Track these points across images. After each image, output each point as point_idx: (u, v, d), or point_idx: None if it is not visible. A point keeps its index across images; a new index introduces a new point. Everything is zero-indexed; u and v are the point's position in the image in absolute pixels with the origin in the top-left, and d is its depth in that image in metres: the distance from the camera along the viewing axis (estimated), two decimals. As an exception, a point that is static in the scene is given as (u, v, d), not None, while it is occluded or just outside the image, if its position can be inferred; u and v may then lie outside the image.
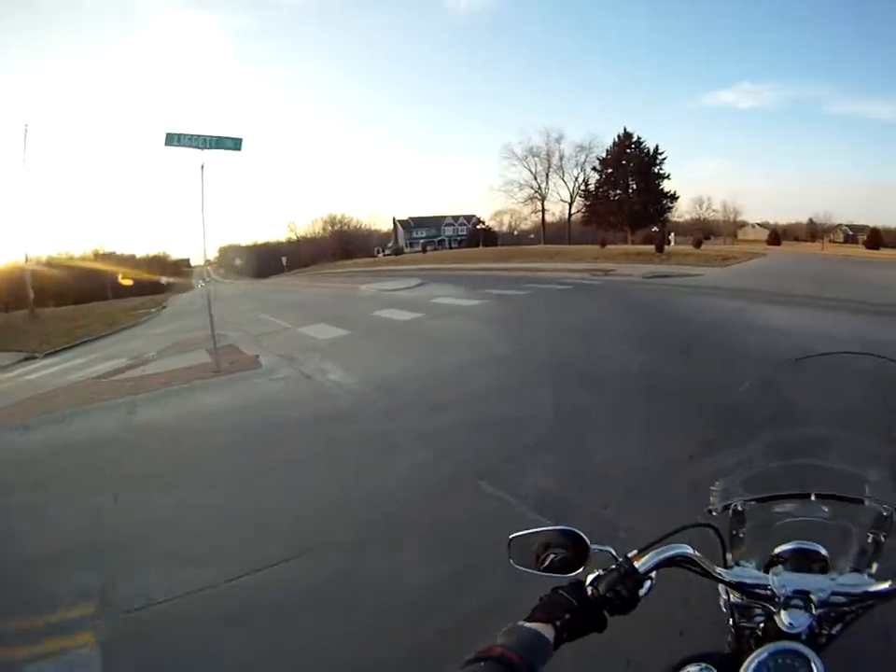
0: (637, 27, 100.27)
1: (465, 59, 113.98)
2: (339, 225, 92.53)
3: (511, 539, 0.92)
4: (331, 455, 5.03)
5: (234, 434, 5.86)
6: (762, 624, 0.88)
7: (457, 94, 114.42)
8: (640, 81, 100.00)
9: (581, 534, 0.89)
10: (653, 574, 0.87)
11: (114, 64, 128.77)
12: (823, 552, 0.91)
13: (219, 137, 8.42)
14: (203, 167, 8.43)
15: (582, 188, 63.60)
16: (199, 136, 8.16)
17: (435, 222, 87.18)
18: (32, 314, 26.71)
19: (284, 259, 64.93)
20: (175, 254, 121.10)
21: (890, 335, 7.92)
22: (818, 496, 0.96)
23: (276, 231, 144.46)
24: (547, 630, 0.78)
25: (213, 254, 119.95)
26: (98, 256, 70.49)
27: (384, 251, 75.45)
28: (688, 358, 7.16)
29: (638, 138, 59.00)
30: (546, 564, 0.89)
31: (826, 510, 0.97)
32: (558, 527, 0.91)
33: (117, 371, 10.49)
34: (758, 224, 72.28)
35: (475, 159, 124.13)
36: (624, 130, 59.38)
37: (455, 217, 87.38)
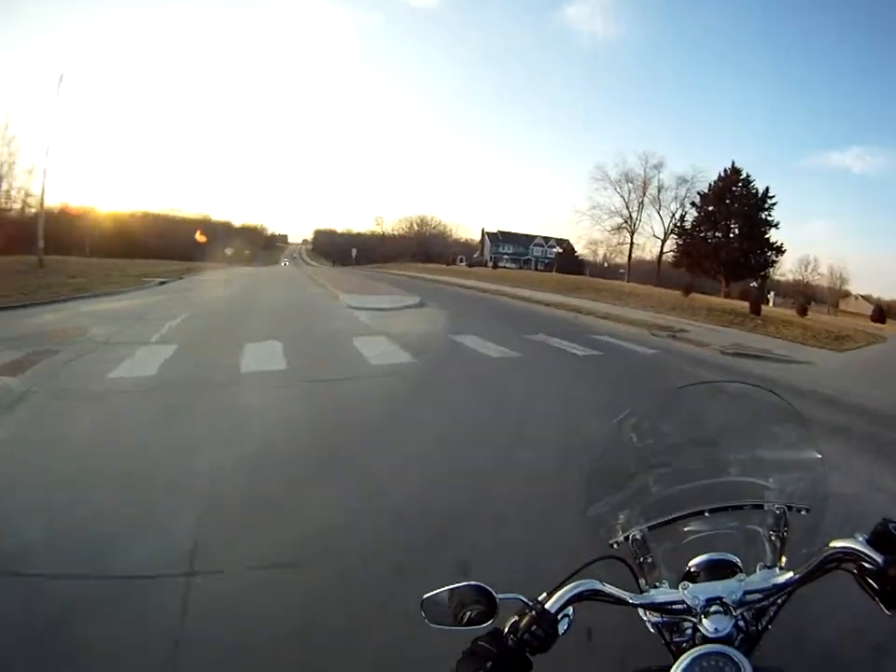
0: (757, 71, 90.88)
1: (580, 82, 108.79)
2: (427, 227, 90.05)
3: (424, 600, 0.89)
4: None
5: None
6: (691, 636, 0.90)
7: (568, 118, 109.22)
8: (752, 126, 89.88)
9: (487, 587, 0.87)
10: (570, 611, 0.87)
11: (240, 36, 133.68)
12: (734, 559, 0.94)
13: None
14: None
15: (678, 224, 53.59)
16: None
17: (524, 240, 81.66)
18: (40, 263, 24.49)
19: (353, 252, 63.28)
20: (274, 228, 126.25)
21: None
22: (710, 510, 1.01)
23: (367, 221, 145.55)
24: None
25: (309, 235, 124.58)
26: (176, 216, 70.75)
27: (465, 261, 71.98)
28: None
29: (747, 176, 48.41)
30: (465, 620, 0.86)
31: (726, 521, 1.02)
32: (466, 583, 0.88)
33: None
34: (861, 296, 61.08)
35: (577, 183, 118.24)
36: (732, 164, 49.05)
37: (546, 239, 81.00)
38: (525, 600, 0.85)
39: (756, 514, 1.01)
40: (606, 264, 66.17)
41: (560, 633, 0.84)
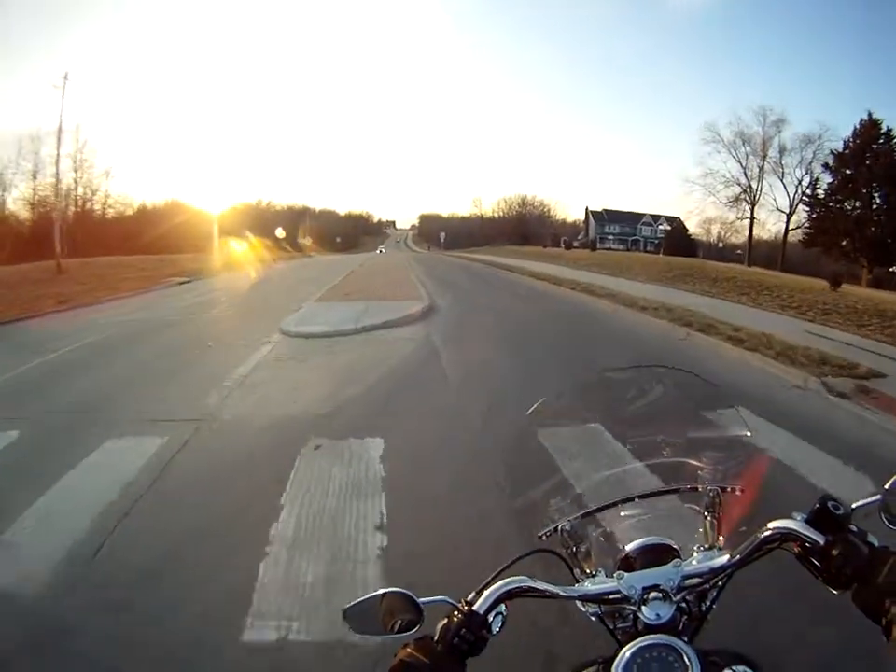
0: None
1: (682, 50, 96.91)
2: (528, 207, 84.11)
3: (346, 611, 0.83)
4: None
5: None
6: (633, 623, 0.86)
7: (675, 83, 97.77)
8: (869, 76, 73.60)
9: (409, 592, 0.81)
10: (503, 609, 0.81)
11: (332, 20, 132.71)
12: (670, 542, 0.90)
13: None
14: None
15: (808, 192, 41.51)
16: None
17: (631, 219, 72.82)
18: (58, 268, 24.02)
19: (441, 236, 59.93)
20: (382, 215, 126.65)
21: None
22: (640, 496, 0.97)
23: (470, 204, 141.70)
24: None
25: (415, 220, 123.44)
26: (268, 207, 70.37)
27: (565, 243, 65.77)
28: None
29: (888, 129, 36.04)
30: (397, 629, 0.80)
31: (660, 503, 0.98)
32: (385, 590, 0.82)
33: None
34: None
35: (688, 156, 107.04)
36: (869, 115, 36.82)
37: (655, 217, 71.49)
38: (452, 602, 0.80)
39: (690, 495, 0.96)
40: (721, 244, 56.36)
41: (493, 633, 0.79)
